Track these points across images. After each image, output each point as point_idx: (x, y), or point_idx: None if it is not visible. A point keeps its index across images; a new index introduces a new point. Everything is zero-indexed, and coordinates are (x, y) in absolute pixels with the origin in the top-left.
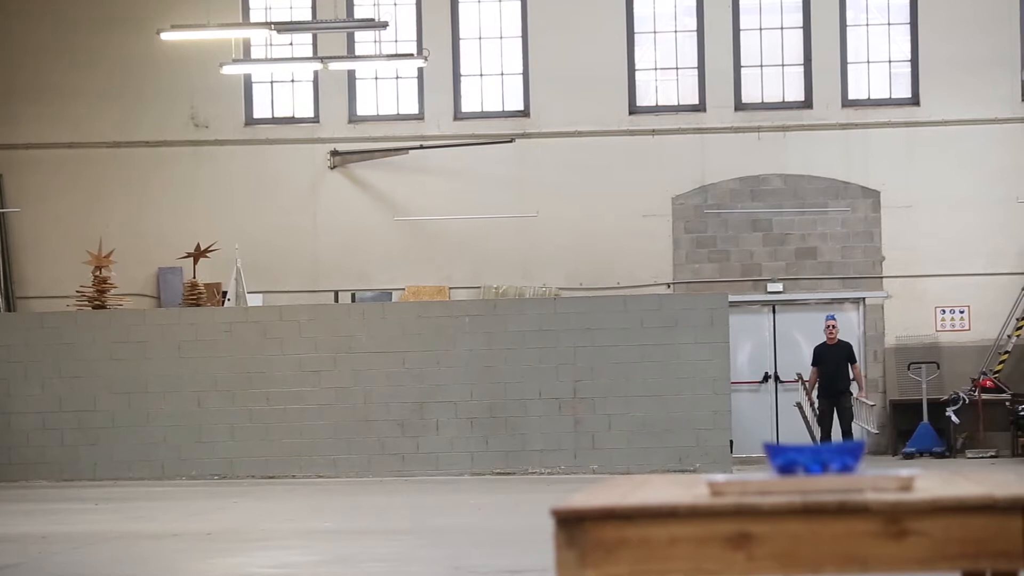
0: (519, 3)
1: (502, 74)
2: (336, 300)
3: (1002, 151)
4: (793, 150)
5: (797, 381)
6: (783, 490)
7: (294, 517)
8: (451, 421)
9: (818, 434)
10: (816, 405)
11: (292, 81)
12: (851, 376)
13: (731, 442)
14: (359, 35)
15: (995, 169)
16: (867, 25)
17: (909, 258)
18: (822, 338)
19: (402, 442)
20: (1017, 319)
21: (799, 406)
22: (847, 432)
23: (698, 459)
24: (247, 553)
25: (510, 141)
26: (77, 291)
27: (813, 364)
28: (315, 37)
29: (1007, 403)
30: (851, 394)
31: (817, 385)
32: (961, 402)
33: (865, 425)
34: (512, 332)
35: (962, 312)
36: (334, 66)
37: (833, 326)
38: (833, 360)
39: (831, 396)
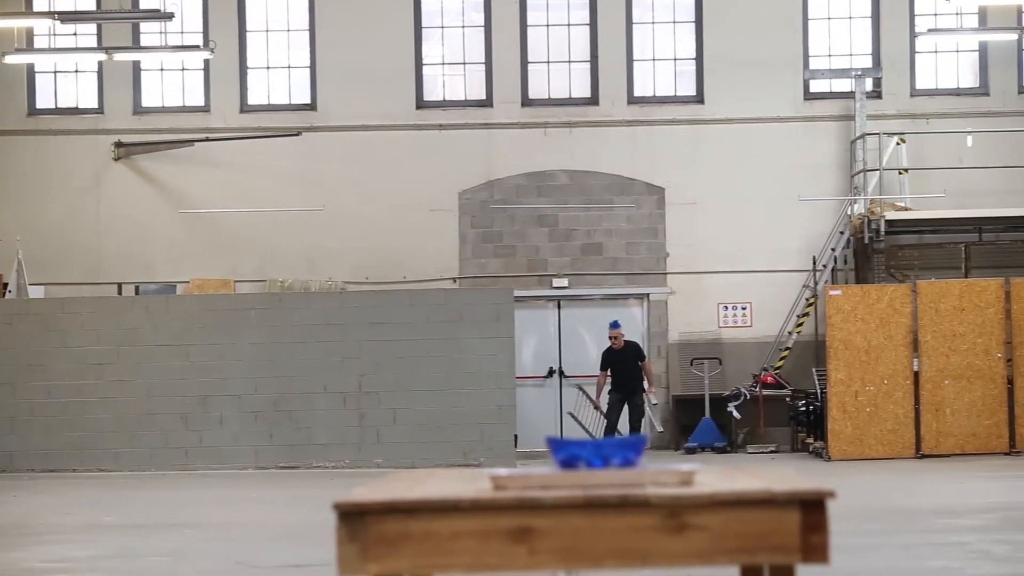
0: None
1: (289, 67)
2: (119, 292)
3: (784, 150)
4: (579, 146)
5: (580, 394)
6: (565, 484)
7: (75, 511)
8: (235, 415)
9: (603, 427)
10: (604, 410)
11: (76, 71)
12: (642, 379)
13: (515, 437)
14: (144, 26)
15: (777, 167)
16: (653, 23)
17: (693, 255)
18: (607, 333)
19: (185, 435)
20: (798, 316)
21: (572, 415)
22: (635, 428)
23: (482, 454)
24: (26, 548)
25: (296, 134)
26: None
27: (602, 368)
28: (99, 27)
29: (787, 399)
30: (644, 390)
31: (608, 382)
32: (742, 398)
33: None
34: (297, 326)
35: (744, 309)
36: (119, 57)
37: (617, 336)
38: (623, 363)
39: (623, 392)
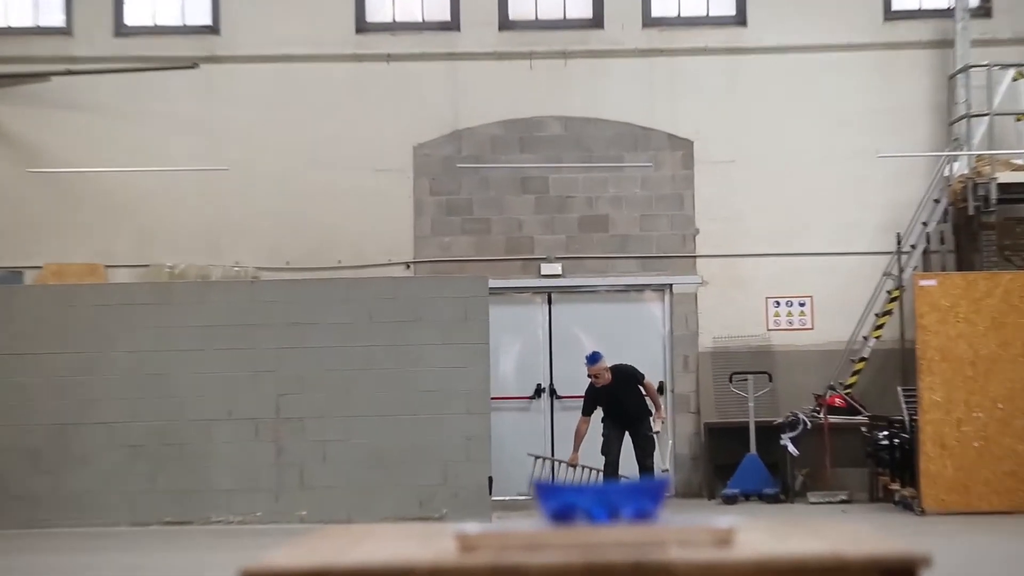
0: None
1: None
2: None
3: (857, 89)
4: (577, 84)
5: (539, 463)
6: (558, 544)
7: None
8: (105, 451)
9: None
10: (582, 466)
11: None
12: (644, 393)
13: (490, 479)
14: None
15: (847, 113)
16: None
17: (732, 231)
18: (612, 338)
19: (36, 480)
20: (877, 315)
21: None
22: (647, 467)
23: (445, 503)
24: None
25: (193, 67)
26: None
27: (585, 412)
28: None
29: (863, 429)
30: (650, 415)
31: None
32: (801, 427)
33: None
34: (193, 328)
35: (802, 305)
36: None
37: (598, 373)
38: (616, 398)
39: (624, 424)
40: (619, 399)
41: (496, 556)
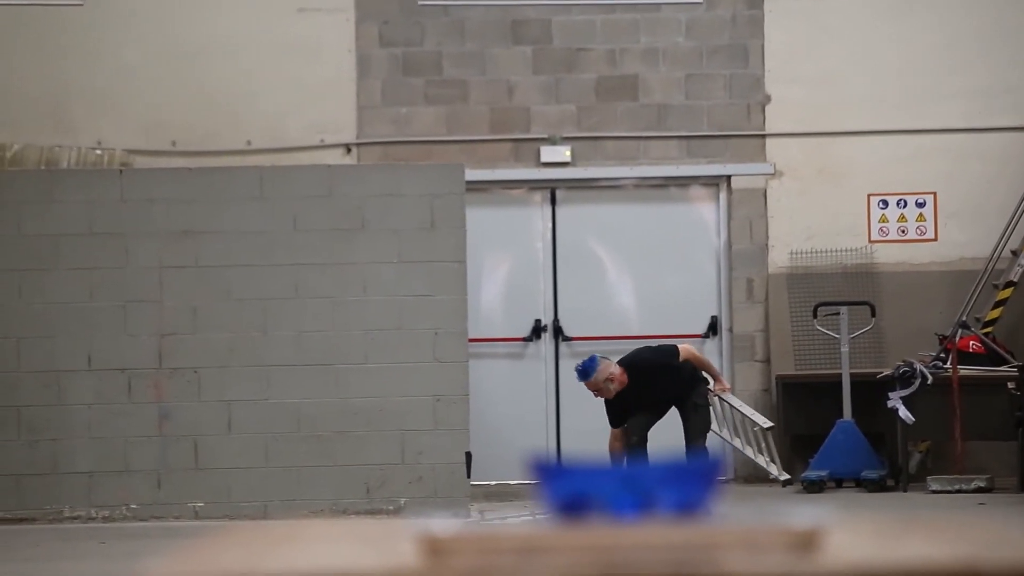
0: None
1: None
2: None
3: None
4: None
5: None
6: (566, 548)
7: None
8: None
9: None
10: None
11: None
12: (693, 371)
13: (468, 456)
14: None
15: None
16: None
17: (820, 98)
18: (643, 255)
19: None
20: None
21: None
22: (697, 441)
23: (403, 489)
24: None
25: None
26: None
27: (614, 422)
28: None
29: (1011, 385)
30: (704, 382)
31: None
32: (919, 382)
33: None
34: (33, 238)
35: (922, 205)
36: None
37: (598, 388)
38: (645, 397)
39: (663, 405)
40: (651, 396)
41: (477, 565)
